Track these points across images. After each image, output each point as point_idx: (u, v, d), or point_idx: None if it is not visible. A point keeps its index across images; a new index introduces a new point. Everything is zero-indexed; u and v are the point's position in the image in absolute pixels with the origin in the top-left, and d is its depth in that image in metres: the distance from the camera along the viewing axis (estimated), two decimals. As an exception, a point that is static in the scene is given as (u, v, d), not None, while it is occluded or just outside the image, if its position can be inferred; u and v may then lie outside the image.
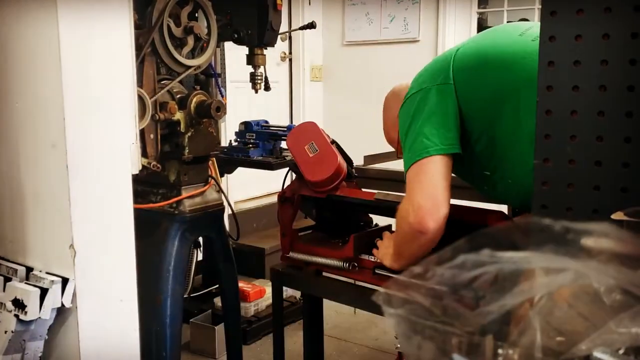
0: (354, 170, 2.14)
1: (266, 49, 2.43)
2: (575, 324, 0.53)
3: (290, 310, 3.38)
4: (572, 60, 0.88)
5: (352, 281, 1.96)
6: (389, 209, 1.85)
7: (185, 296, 2.75)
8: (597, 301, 0.53)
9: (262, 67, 2.47)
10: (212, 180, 2.35)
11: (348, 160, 2.15)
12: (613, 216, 0.72)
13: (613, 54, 0.85)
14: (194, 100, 2.19)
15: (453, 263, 0.57)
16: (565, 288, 0.54)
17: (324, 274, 2.03)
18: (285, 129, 2.99)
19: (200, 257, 3.27)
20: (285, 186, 2.21)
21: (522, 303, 0.52)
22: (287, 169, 2.24)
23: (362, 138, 5.14)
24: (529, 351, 0.50)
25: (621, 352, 0.51)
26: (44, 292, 1.42)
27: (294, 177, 2.24)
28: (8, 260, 1.57)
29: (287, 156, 2.96)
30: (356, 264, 1.91)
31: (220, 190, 2.39)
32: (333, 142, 2.11)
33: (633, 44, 0.83)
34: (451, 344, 0.54)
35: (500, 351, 0.52)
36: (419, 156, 1.56)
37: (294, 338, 3.05)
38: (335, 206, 2.11)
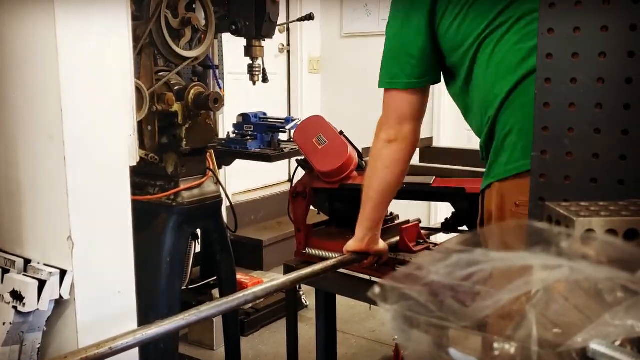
0: (363, 161, 2.12)
1: (264, 40, 2.42)
2: (571, 317, 0.53)
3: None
4: (570, 53, 0.88)
5: (367, 277, 1.93)
6: (410, 193, 1.82)
7: (183, 288, 2.75)
8: (593, 294, 0.54)
9: (260, 58, 2.46)
10: (210, 172, 2.34)
11: (357, 150, 2.14)
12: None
13: (611, 46, 0.85)
14: (192, 92, 2.18)
15: (447, 262, 0.58)
16: (562, 283, 0.54)
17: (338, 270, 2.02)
18: (284, 121, 2.98)
19: (198, 249, 3.27)
20: (295, 182, 2.19)
21: (518, 298, 0.52)
22: (296, 165, 2.23)
23: (360, 130, 5.15)
24: (525, 344, 0.50)
25: (617, 343, 0.52)
26: (42, 283, 1.42)
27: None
28: (6, 252, 1.57)
29: (284, 148, 2.95)
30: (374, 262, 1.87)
31: (218, 182, 2.39)
32: (341, 132, 2.10)
33: (631, 36, 0.83)
34: (447, 338, 0.55)
35: (496, 345, 0.52)
36: None
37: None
38: (348, 196, 2.10)
